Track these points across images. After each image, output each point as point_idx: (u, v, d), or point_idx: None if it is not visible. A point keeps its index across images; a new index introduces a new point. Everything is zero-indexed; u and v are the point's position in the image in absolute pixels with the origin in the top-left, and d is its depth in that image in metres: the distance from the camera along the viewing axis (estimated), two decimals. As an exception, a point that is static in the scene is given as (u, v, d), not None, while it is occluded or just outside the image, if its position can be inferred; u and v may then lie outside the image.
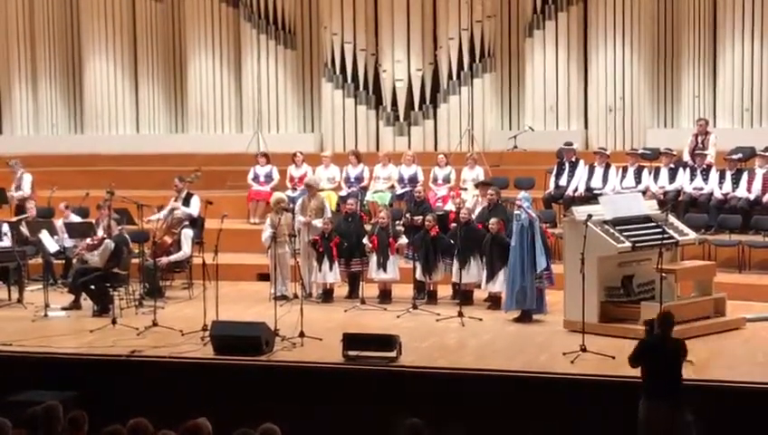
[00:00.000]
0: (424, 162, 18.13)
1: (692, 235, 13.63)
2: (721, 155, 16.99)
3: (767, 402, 10.32)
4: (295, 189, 17.78)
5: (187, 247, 15.35)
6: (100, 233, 15.03)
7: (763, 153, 16.41)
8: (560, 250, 14.78)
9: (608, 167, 17.15)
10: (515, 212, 13.62)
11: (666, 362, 9.43)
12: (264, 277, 15.72)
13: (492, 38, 20.49)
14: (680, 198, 16.50)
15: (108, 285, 14.33)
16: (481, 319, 13.57)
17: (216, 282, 13.41)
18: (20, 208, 17.80)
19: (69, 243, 15.93)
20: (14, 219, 16.90)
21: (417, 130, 20.63)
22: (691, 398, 9.51)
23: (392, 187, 17.92)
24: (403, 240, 14.85)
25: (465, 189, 17.18)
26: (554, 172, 17.58)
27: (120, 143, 21.78)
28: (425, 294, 14.73)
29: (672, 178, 16.79)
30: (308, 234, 15.20)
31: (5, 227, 15.77)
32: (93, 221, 15.88)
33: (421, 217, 14.94)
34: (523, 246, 13.33)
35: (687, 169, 16.83)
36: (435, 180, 17.70)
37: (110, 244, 14.43)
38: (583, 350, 11.46)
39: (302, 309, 12.68)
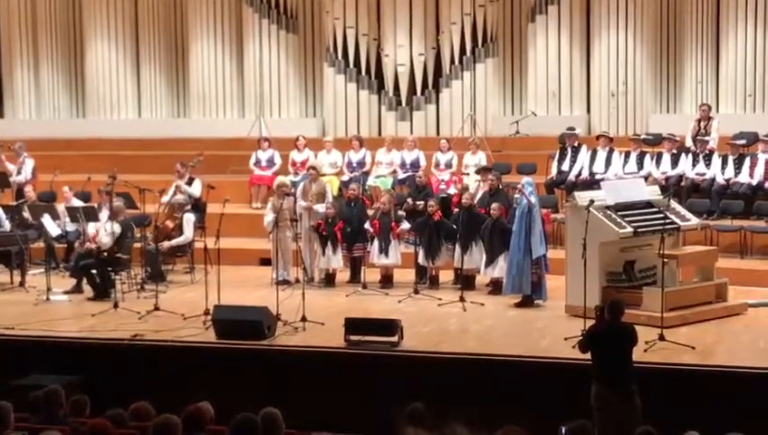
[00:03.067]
0: (426, 147, 18.10)
1: (694, 220, 13.63)
2: (724, 140, 16.97)
3: (768, 388, 10.34)
4: (297, 174, 17.76)
5: (188, 232, 15.36)
6: (105, 217, 15.04)
7: (765, 138, 16.37)
8: (562, 235, 14.78)
9: (610, 152, 17.13)
10: (515, 196, 13.64)
11: (615, 348, 9.46)
12: (265, 262, 15.73)
13: (494, 23, 20.45)
14: (682, 184, 16.49)
15: (110, 269, 14.34)
16: (483, 304, 13.58)
17: (217, 266, 13.41)
18: (21, 193, 17.81)
19: (71, 227, 15.94)
20: (15, 203, 16.90)
21: (420, 115, 20.60)
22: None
23: (394, 172, 17.90)
24: (405, 225, 14.84)
25: (468, 174, 17.17)
26: (557, 157, 17.56)
27: (122, 127, 21.77)
28: (426, 279, 14.73)
29: (674, 163, 16.77)
30: (309, 219, 15.20)
31: (2, 212, 15.74)
32: (95, 205, 15.88)
33: (423, 202, 14.94)
34: (521, 232, 13.35)
35: (690, 155, 16.81)
36: (437, 165, 17.67)
37: (117, 227, 14.45)
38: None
39: (303, 294, 12.68)
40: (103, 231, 14.58)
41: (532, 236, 13.28)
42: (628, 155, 17.04)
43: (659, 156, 16.94)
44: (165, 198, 15.91)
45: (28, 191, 17.40)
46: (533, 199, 13.46)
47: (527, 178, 13.99)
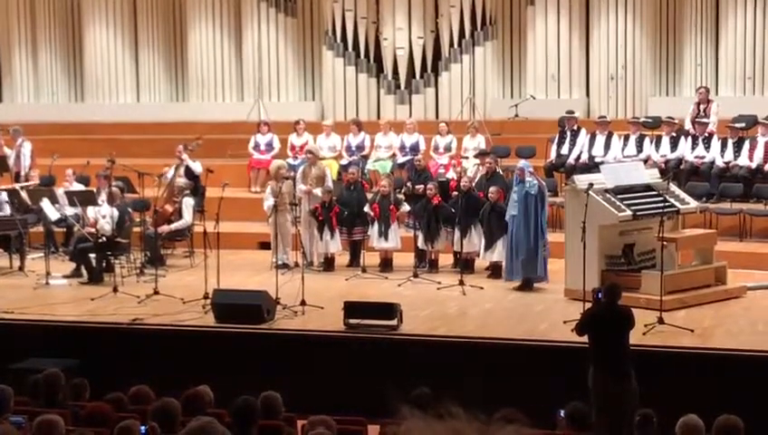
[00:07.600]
0: (425, 131, 18.08)
1: (693, 203, 13.63)
2: (723, 123, 16.96)
3: None
4: (296, 158, 17.74)
5: (188, 216, 15.36)
6: (103, 201, 15.02)
7: (764, 121, 16.36)
8: (561, 219, 14.78)
9: (609, 135, 17.12)
10: (527, 179, 13.44)
11: (612, 331, 9.48)
12: (265, 246, 15.73)
13: (493, 6, 20.39)
14: (681, 167, 16.48)
15: (109, 253, 14.34)
16: (482, 287, 13.59)
17: (217, 250, 13.41)
18: (19, 176, 17.78)
19: (70, 211, 15.93)
20: (18, 186, 16.88)
21: (419, 99, 20.57)
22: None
23: (393, 155, 17.88)
24: (405, 208, 14.83)
25: (467, 158, 17.16)
26: (556, 141, 17.54)
27: (121, 111, 21.73)
28: (426, 262, 14.74)
29: (673, 146, 16.76)
30: (309, 202, 15.20)
31: (4, 196, 15.75)
32: (94, 190, 15.87)
33: (422, 186, 14.93)
34: (529, 215, 13.29)
35: (689, 138, 16.80)
36: (436, 149, 17.65)
37: (115, 211, 14.46)
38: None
39: (303, 277, 12.69)
40: (102, 218, 14.57)
41: (543, 218, 13.30)
42: (627, 138, 17.03)
43: (658, 139, 16.93)
44: (169, 174, 15.87)
45: (33, 176, 17.39)
46: (543, 181, 13.44)
47: (524, 162, 13.97)
